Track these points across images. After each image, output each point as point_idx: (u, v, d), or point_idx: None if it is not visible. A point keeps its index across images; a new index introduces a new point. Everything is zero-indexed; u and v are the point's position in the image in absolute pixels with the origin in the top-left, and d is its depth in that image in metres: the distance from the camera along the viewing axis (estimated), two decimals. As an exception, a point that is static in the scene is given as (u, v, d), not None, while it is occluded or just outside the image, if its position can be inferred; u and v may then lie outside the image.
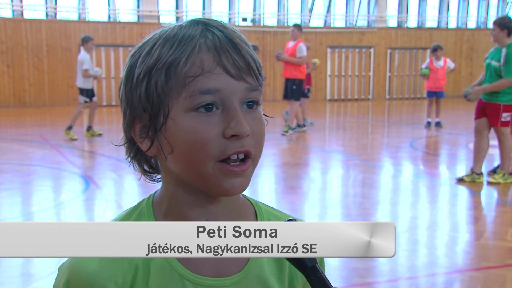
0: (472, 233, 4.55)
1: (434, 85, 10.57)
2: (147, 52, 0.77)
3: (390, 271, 3.67)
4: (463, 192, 5.96)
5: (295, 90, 9.35)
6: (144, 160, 0.85)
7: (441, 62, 10.56)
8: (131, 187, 6.09)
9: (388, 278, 3.58)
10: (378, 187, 6.17)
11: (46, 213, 5.02)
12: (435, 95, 10.67)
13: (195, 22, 0.78)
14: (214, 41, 0.75)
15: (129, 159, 0.85)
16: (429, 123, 10.82)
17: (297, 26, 9.50)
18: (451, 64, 10.77)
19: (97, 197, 5.51)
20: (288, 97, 9.44)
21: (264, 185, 6.08)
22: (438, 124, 10.79)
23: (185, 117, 0.75)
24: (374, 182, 6.38)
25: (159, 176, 0.86)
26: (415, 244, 4.22)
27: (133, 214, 0.84)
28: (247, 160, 0.76)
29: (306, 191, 6.17)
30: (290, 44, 9.44)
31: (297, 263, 0.70)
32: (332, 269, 3.60)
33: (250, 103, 0.77)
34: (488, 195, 5.89)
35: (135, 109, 0.78)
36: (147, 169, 0.86)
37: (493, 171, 6.49)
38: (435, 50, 10.59)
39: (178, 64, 0.74)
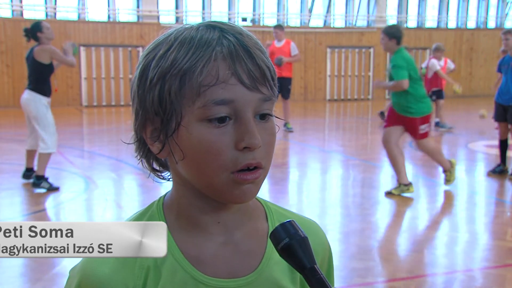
0: (472, 233, 4.56)
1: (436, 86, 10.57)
2: (161, 55, 0.76)
3: (390, 271, 3.68)
4: (462, 192, 5.96)
5: (290, 89, 9.52)
6: (153, 158, 0.85)
7: (441, 63, 10.56)
8: (130, 187, 6.10)
9: (388, 278, 3.58)
10: (377, 187, 6.17)
11: (45, 213, 5.02)
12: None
13: (211, 27, 0.77)
14: (230, 48, 0.74)
15: (138, 157, 0.85)
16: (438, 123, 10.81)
17: (280, 27, 9.67)
18: (451, 65, 10.77)
19: (97, 197, 5.51)
20: (285, 96, 9.53)
21: (264, 185, 6.08)
22: (437, 124, 10.79)
23: (198, 126, 0.74)
24: (374, 182, 6.38)
25: (168, 174, 0.86)
26: (414, 244, 4.22)
27: (144, 218, 0.84)
28: (258, 169, 0.77)
29: (305, 191, 6.18)
30: (277, 44, 9.51)
31: (296, 264, 0.70)
32: (332, 269, 3.60)
33: (263, 115, 0.77)
34: (488, 195, 5.89)
35: (148, 111, 0.77)
36: (157, 168, 0.86)
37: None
38: (436, 50, 10.60)
39: (193, 73, 0.73)
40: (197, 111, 0.74)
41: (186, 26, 0.78)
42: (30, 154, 5.90)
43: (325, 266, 0.92)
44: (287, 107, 9.71)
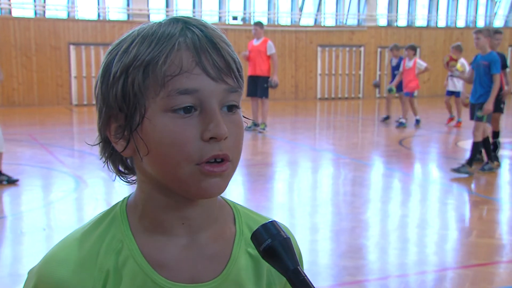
0: (461, 230, 4.59)
1: (404, 85, 10.71)
2: (124, 49, 0.75)
3: (380, 269, 3.69)
4: (452, 190, 5.99)
5: (266, 88, 9.47)
6: (119, 160, 0.82)
7: (410, 63, 10.64)
8: (121, 186, 6.07)
9: (378, 276, 3.60)
10: (368, 186, 6.19)
11: (35, 213, 4.99)
12: (410, 95, 10.78)
13: (174, 20, 0.76)
14: (193, 40, 0.73)
15: (103, 159, 0.82)
16: (418, 121, 10.86)
17: (260, 24, 9.62)
18: (421, 65, 10.81)
19: (87, 196, 5.48)
20: (259, 95, 9.48)
21: (255, 184, 6.08)
22: (417, 123, 10.79)
23: (162, 118, 0.73)
24: (364, 180, 6.40)
25: (134, 178, 0.83)
26: (404, 242, 4.24)
27: (106, 219, 0.81)
28: (226, 162, 0.75)
29: (296, 189, 6.18)
30: (255, 42, 9.47)
31: (279, 265, 0.69)
32: (322, 268, 3.62)
33: (230, 106, 0.76)
34: (477, 193, 5.93)
35: (111, 108, 0.76)
36: (122, 170, 0.83)
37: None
38: (408, 49, 10.72)
39: (156, 63, 0.72)
40: (161, 101, 0.73)
41: (150, 22, 0.77)
42: None
43: None
44: (264, 107, 9.65)
